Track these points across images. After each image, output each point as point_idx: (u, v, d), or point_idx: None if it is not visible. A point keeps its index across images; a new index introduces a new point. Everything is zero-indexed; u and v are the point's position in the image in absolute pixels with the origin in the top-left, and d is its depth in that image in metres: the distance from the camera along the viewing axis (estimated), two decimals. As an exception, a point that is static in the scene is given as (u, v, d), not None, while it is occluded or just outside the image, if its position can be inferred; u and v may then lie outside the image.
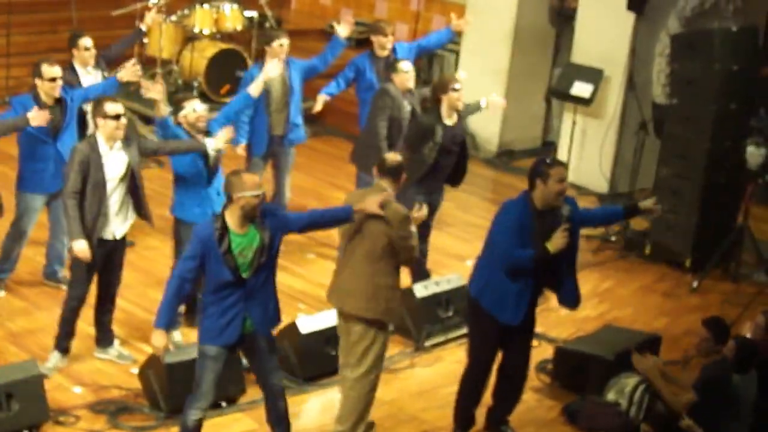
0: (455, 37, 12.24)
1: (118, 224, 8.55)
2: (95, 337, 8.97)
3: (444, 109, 9.78)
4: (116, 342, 9.03)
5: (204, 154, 8.85)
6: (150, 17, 10.92)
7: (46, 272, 9.99)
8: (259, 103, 10.34)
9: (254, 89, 9.49)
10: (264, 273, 7.35)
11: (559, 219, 7.72)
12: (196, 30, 14.39)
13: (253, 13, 14.88)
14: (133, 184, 8.53)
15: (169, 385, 8.20)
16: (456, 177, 10.13)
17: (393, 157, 7.89)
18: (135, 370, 8.61)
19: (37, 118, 8.83)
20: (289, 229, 7.52)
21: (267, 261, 7.33)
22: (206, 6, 14.48)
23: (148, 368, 8.40)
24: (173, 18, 14.45)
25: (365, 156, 10.29)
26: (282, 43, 10.84)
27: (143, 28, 11.00)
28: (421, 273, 10.06)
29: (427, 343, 9.61)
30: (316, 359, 8.90)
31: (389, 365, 9.16)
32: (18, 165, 9.56)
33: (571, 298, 8.05)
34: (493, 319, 7.86)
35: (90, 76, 10.22)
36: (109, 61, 10.70)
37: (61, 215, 9.20)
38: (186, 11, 14.52)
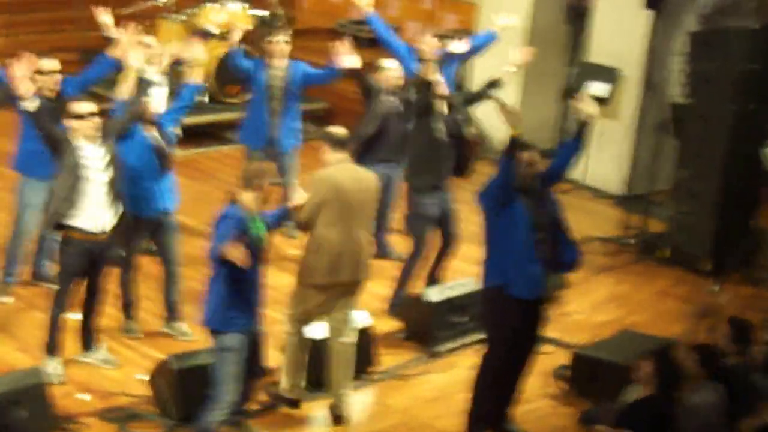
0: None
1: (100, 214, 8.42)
2: (81, 339, 8.86)
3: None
4: (103, 345, 8.92)
5: (154, 149, 8.88)
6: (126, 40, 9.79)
7: (35, 273, 9.88)
8: (260, 96, 10.62)
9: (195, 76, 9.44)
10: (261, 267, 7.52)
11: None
12: (204, 28, 14.15)
13: (263, 12, 14.69)
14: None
15: (180, 392, 8.09)
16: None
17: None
18: (144, 377, 8.49)
19: None
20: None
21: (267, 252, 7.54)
22: (215, 4, 14.29)
23: (158, 375, 8.29)
24: (181, 16, 14.26)
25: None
26: (270, 40, 10.86)
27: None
28: (432, 280, 10.04)
29: (441, 349, 9.48)
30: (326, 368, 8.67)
31: (402, 371, 9.17)
32: (18, 146, 9.44)
33: (572, 256, 8.04)
34: (514, 303, 7.76)
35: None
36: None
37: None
38: (194, 10, 14.33)
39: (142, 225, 9.05)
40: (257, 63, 11.04)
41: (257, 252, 7.45)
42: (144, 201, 8.95)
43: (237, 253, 7.09)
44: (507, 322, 7.90)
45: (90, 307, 8.77)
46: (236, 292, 7.42)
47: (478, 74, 14.41)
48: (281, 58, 10.90)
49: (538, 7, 14.03)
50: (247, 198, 7.44)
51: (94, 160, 8.31)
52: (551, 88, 14.51)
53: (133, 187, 8.81)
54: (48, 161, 8.96)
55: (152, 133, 8.92)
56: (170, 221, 9.20)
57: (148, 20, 14.03)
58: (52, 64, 9.22)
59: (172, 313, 9.40)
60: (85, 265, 8.47)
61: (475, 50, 11.75)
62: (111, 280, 9.21)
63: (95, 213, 8.35)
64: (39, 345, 8.76)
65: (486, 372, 8.06)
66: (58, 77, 9.24)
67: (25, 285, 9.83)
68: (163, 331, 9.39)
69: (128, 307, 9.32)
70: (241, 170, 7.64)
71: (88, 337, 8.85)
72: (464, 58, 11.77)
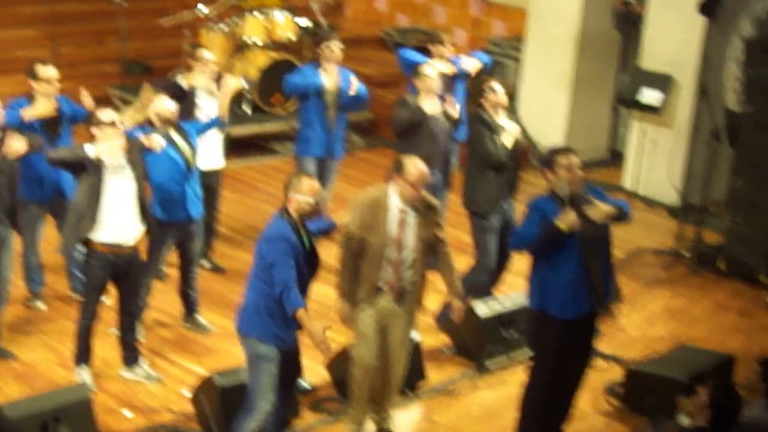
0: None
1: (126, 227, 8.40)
2: (121, 354, 8.80)
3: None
4: (144, 361, 8.85)
5: (180, 153, 8.97)
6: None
7: (73, 287, 9.79)
8: (317, 102, 10.62)
9: (221, 111, 9.69)
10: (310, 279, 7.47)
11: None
12: (247, 39, 14.09)
13: (307, 21, 14.57)
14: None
15: (223, 409, 7.97)
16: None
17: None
18: (187, 393, 8.38)
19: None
20: None
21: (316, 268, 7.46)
22: (258, 14, 14.19)
23: (201, 392, 8.17)
24: (223, 27, 14.16)
25: None
26: (329, 45, 10.80)
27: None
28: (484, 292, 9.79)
29: (490, 365, 9.31)
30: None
31: (450, 387, 9.03)
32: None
33: (607, 289, 7.86)
34: (559, 323, 7.64)
35: None
36: None
37: None
38: (236, 20, 14.24)
39: (167, 231, 9.08)
40: (310, 72, 10.88)
41: (310, 266, 7.35)
42: (168, 207, 9.03)
43: (315, 332, 7.15)
44: (549, 342, 7.79)
45: (125, 323, 8.70)
46: (280, 303, 7.28)
47: (527, 83, 14.27)
48: (335, 64, 10.84)
49: (588, 13, 13.87)
50: (293, 209, 7.33)
51: (117, 172, 8.25)
52: (603, 96, 14.33)
53: (158, 193, 8.96)
54: (47, 188, 9.22)
55: (176, 138, 8.97)
56: (198, 224, 9.33)
57: (190, 30, 13.96)
58: (48, 70, 9.18)
59: (192, 307, 9.51)
60: (109, 277, 8.44)
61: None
62: (151, 295, 9.15)
63: (119, 226, 8.30)
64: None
65: (533, 391, 7.94)
66: (56, 85, 9.20)
67: (65, 300, 9.77)
68: (203, 341, 9.34)
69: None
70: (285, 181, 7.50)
71: (127, 353, 8.78)
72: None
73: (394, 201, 7.70)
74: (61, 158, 8.30)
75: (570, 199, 7.56)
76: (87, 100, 9.26)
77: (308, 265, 7.34)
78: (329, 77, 10.84)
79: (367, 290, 7.78)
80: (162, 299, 9.70)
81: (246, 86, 10.36)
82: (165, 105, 9.08)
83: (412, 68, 10.46)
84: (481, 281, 9.70)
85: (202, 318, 9.55)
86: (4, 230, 8.64)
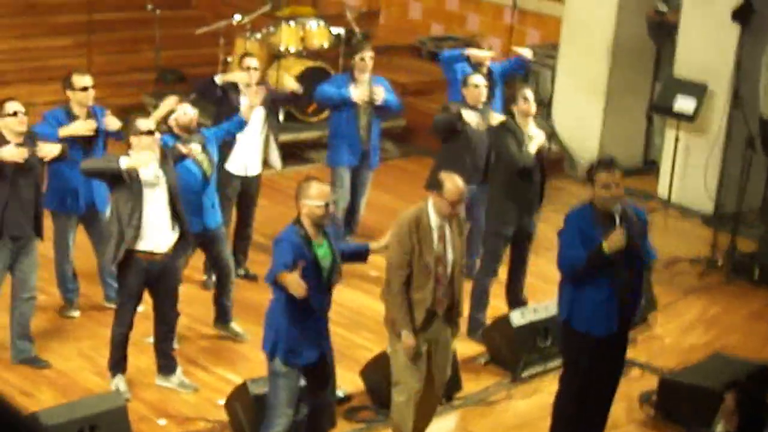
0: (526, 65, 11.84)
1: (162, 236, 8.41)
2: (156, 363, 8.80)
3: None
4: (179, 369, 8.84)
5: (197, 164, 8.96)
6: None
7: (107, 295, 9.82)
8: (349, 112, 10.64)
9: (246, 113, 9.71)
10: (330, 293, 7.35)
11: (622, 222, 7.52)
12: (282, 48, 14.13)
13: (341, 30, 14.59)
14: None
15: (257, 417, 7.94)
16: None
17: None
18: (221, 401, 8.37)
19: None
20: None
21: (336, 280, 7.34)
22: (292, 23, 14.22)
23: (235, 400, 8.19)
24: (258, 36, 14.20)
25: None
26: (363, 57, 10.76)
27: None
28: (517, 300, 9.77)
29: (525, 374, 9.28)
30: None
31: (485, 397, 8.99)
32: (48, 183, 9.35)
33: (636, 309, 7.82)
34: (587, 339, 7.60)
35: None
36: None
37: (104, 232, 9.12)
38: (271, 29, 14.27)
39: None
40: (341, 82, 10.91)
41: (318, 278, 7.23)
42: (190, 217, 8.92)
43: (292, 282, 6.92)
44: (575, 354, 7.77)
45: (160, 331, 8.70)
46: (294, 318, 7.23)
47: (562, 91, 14.23)
48: (366, 73, 10.85)
49: (622, 21, 13.78)
50: (304, 215, 7.28)
51: (151, 182, 8.29)
52: (637, 104, 14.25)
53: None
54: (81, 198, 9.23)
55: (193, 147, 8.92)
56: (216, 233, 9.30)
57: (225, 39, 14.00)
58: (85, 79, 9.21)
59: (224, 315, 9.46)
60: (143, 284, 8.44)
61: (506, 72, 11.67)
62: (186, 303, 9.16)
63: (155, 234, 8.33)
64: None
65: (563, 399, 7.92)
66: (91, 93, 9.21)
67: (99, 308, 9.79)
68: (238, 350, 9.35)
69: None
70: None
71: (162, 361, 8.78)
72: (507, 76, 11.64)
73: (434, 218, 7.61)
74: (95, 169, 8.34)
75: (621, 219, 7.47)
76: (112, 123, 9.28)
77: (315, 275, 7.19)
78: (361, 87, 10.84)
79: (423, 316, 7.63)
80: (197, 307, 9.73)
81: (300, 89, 10.35)
82: (184, 112, 9.06)
83: (462, 78, 10.48)
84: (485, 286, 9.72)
85: (237, 326, 9.54)
86: (26, 237, 8.66)
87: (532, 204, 9.63)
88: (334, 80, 11.19)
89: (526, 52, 11.44)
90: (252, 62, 10.33)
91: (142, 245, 8.29)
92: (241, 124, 9.74)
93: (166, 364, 8.77)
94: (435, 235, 7.57)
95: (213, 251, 9.37)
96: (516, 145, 9.40)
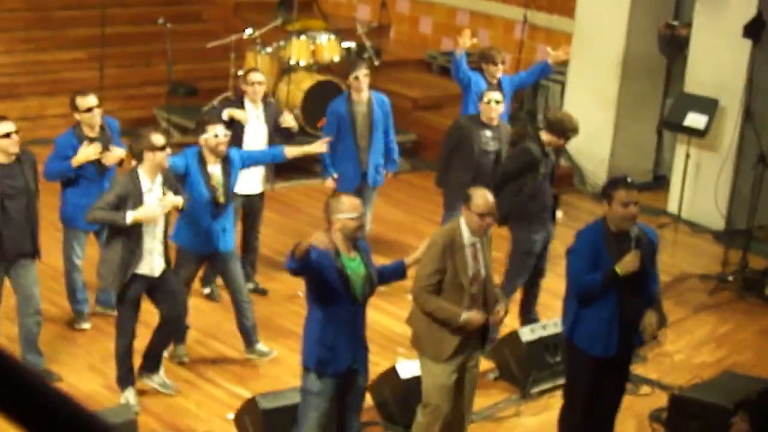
0: (554, 69, 11.86)
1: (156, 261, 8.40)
2: (140, 363, 8.73)
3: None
4: (161, 369, 8.80)
5: (209, 187, 8.86)
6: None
7: (100, 299, 9.86)
8: (346, 136, 10.52)
9: (289, 152, 9.71)
10: (363, 308, 7.29)
11: (631, 242, 7.49)
12: (293, 61, 14.14)
13: (351, 44, 14.59)
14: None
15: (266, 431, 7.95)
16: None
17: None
18: (231, 416, 8.36)
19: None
20: None
21: (370, 294, 7.27)
22: (303, 37, 14.23)
23: (245, 413, 8.16)
24: (269, 49, 14.21)
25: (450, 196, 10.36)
26: (357, 76, 10.70)
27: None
28: (529, 317, 9.80)
29: (534, 390, 9.23)
30: (415, 406, 8.44)
31: (493, 413, 8.95)
32: (62, 196, 9.37)
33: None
34: (587, 357, 7.59)
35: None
36: None
37: None
38: (282, 42, 14.30)
39: (193, 258, 9.05)
40: (340, 98, 10.92)
41: (347, 290, 7.18)
42: (197, 239, 8.93)
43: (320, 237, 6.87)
44: (577, 370, 7.74)
45: (158, 334, 8.65)
46: (328, 330, 7.18)
47: (572, 105, 14.20)
48: (362, 92, 10.77)
49: (633, 36, 13.78)
50: (335, 236, 7.20)
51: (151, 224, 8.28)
52: (648, 119, 14.23)
53: (187, 223, 8.89)
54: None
55: (213, 170, 8.88)
56: (226, 255, 9.14)
57: (236, 53, 14.02)
58: (88, 100, 9.21)
59: (249, 338, 9.32)
60: (143, 290, 8.42)
61: (525, 81, 11.76)
62: (193, 317, 9.15)
63: (150, 262, 8.33)
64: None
65: (567, 413, 7.90)
66: (98, 112, 9.21)
67: (109, 320, 9.64)
68: (248, 363, 9.31)
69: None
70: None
71: (147, 362, 8.71)
72: (517, 85, 11.67)
73: (466, 235, 7.47)
74: (100, 221, 8.33)
75: (636, 241, 7.46)
76: (111, 159, 9.24)
77: (343, 287, 7.14)
78: (359, 106, 10.78)
79: (461, 339, 7.51)
80: (207, 322, 9.73)
81: (296, 127, 10.37)
82: (215, 134, 8.91)
83: (478, 95, 10.51)
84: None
85: (262, 346, 9.38)
86: (23, 255, 8.61)
87: (546, 218, 9.67)
88: (332, 102, 11.11)
89: (560, 55, 11.46)
90: (257, 77, 10.34)
91: (138, 269, 8.30)
92: (276, 158, 9.67)
93: (150, 365, 8.71)
94: (468, 253, 7.46)
95: (223, 271, 9.27)
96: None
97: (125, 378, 8.56)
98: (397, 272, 7.67)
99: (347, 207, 7.16)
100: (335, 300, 7.10)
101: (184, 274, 8.97)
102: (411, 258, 7.64)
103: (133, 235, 8.20)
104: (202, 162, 8.92)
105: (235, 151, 9.24)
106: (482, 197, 7.49)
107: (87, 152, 9.10)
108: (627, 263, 7.34)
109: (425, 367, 7.67)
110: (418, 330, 7.63)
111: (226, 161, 9.01)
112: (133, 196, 8.15)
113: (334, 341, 7.17)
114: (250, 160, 9.45)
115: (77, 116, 9.21)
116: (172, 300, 8.55)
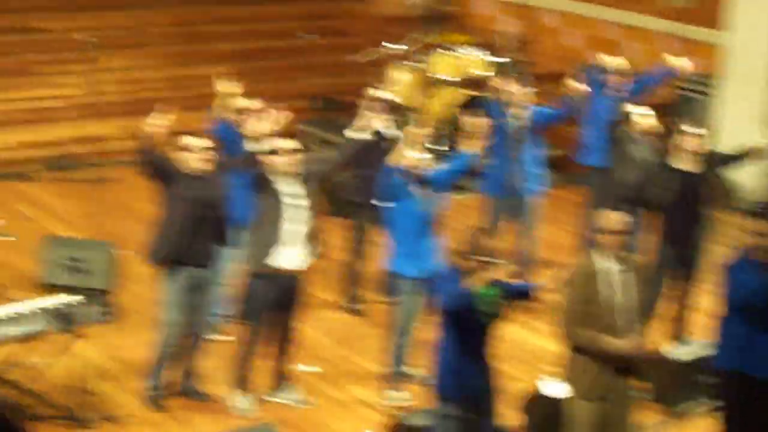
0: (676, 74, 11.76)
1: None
2: (272, 377, 8.85)
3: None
4: (294, 385, 8.88)
5: (420, 210, 8.78)
6: None
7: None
8: (499, 143, 10.48)
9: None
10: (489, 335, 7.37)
11: None
12: (436, 76, 14.08)
13: (496, 58, 14.50)
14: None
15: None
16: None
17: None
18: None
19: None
20: None
21: None
22: (447, 51, 14.18)
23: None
24: (412, 64, 14.18)
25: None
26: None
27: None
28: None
29: (684, 410, 8.97)
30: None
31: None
32: None
33: None
34: (754, 385, 7.30)
35: None
36: None
37: None
38: (425, 57, 14.26)
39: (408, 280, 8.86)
40: (495, 108, 10.78)
41: (485, 320, 7.15)
42: (408, 260, 8.78)
43: None
44: (748, 407, 7.39)
45: (280, 346, 8.73)
46: (461, 357, 7.15)
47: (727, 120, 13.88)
48: (520, 102, 10.80)
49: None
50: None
51: (293, 198, 8.37)
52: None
53: (399, 245, 8.81)
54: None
55: (422, 193, 8.84)
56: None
57: (379, 68, 14.00)
58: (231, 86, 9.32)
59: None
60: (274, 299, 8.47)
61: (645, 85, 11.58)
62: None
63: (291, 251, 8.39)
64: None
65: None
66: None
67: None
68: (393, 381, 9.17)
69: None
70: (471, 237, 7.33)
71: (278, 376, 8.81)
72: (633, 95, 11.45)
73: (599, 261, 7.16)
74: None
75: None
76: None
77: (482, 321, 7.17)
78: (514, 116, 10.74)
79: (609, 376, 7.22)
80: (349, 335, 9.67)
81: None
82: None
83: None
84: None
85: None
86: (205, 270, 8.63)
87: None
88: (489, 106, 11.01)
89: (684, 63, 11.13)
90: (378, 92, 10.34)
91: (277, 261, 8.39)
92: (464, 162, 9.28)
93: (280, 380, 8.81)
94: (601, 280, 7.12)
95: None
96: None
97: (239, 383, 8.62)
98: (523, 294, 7.58)
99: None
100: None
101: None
102: (544, 282, 7.67)
103: (276, 217, 8.37)
104: None
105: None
106: (608, 217, 7.26)
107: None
108: None
109: (575, 404, 7.36)
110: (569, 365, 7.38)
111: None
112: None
113: (468, 368, 7.24)
114: (448, 175, 9.26)
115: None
116: (292, 318, 8.68)
